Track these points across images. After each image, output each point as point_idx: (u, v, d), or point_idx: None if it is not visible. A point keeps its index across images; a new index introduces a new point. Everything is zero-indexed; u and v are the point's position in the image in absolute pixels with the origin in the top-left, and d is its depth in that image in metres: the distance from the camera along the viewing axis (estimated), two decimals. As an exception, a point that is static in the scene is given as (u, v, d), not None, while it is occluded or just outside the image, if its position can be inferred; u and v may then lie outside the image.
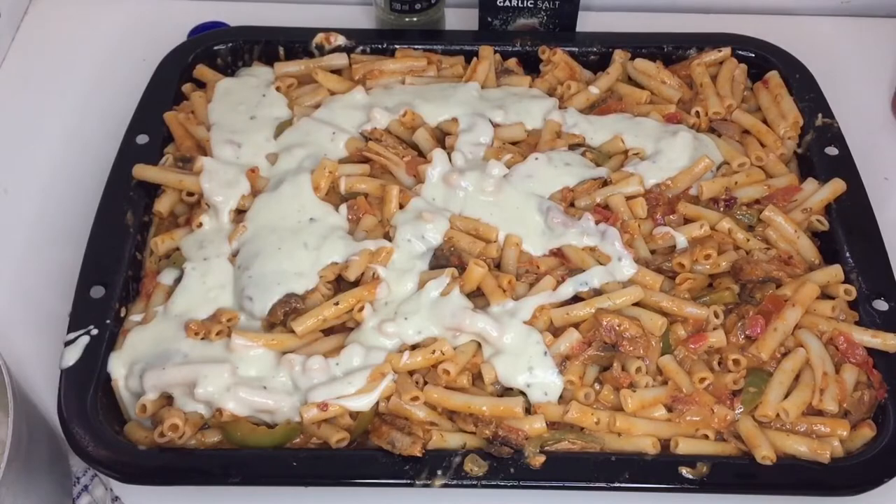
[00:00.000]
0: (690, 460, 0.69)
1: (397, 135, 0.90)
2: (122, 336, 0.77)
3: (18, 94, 1.04)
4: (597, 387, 0.75)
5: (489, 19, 1.03)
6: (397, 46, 0.99)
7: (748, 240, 0.82)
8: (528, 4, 1.01)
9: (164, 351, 0.75)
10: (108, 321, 0.76)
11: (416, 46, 0.99)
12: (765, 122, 0.92)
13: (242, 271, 0.79)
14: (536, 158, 0.87)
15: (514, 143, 0.90)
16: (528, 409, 0.73)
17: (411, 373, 0.74)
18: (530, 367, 0.74)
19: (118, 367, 0.74)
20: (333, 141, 0.89)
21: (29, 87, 1.05)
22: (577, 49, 0.99)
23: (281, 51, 0.99)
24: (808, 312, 0.77)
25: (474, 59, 0.97)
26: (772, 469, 0.69)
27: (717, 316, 0.77)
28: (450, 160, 0.86)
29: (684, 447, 0.71)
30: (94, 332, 0.75)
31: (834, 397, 0.72)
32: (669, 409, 0.73)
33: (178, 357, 0.74)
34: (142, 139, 0.89)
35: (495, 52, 0.98)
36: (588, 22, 1.06)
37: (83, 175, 0.93)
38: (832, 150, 0.89)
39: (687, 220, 0.84)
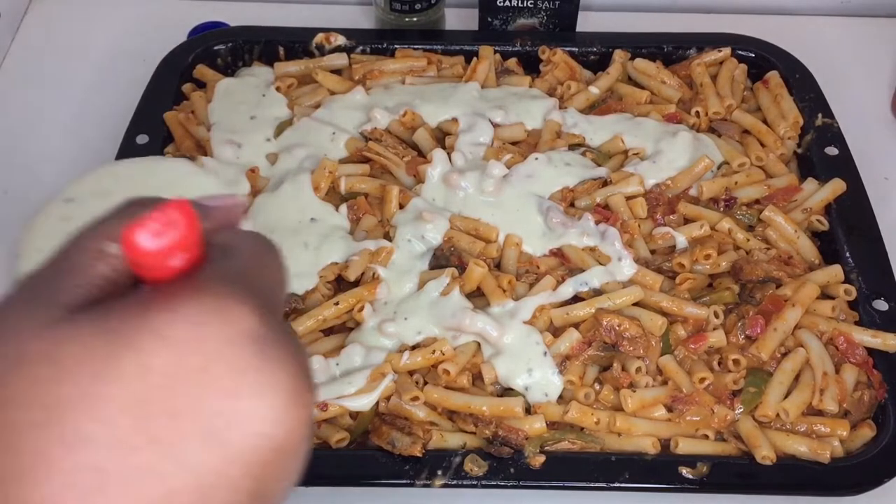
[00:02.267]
0: (690, 460, 0.69)
1: (397, 135, 0.90)
2: (122, 336, 0.76)
3: (18, 94, 1.04)
4: (597, 387, 0.74)
5: (489, 19, 1.03)
6: (397, 46, 0.99)
7: (748, 240, 0.82)
8: (528, 4, 1.01)
9: (164, 351, 0.74)
10: (108, 321, 0.76)
11: (416, 46, 0.99)
12: (765, 122, 0.92)
13: (242, 271, 0.79)
14: (536, 158, 0.87)
15: (514, 143, 0.90)
16: (528, 409, 0.73)
17: (411, 373, 0.74)
18: (530, 367, 0.74)
19: (118, 367, 0.74)
20: (333, 141, 0.89)
21: (29, 87, 1.05)
22: (577, 49, 0.99)
23: (281, 51, 0.99)
24: (808, 312, 0.77)
25: (474, 59, 0.97)
26: (772, 469, 0.69)
27: (717, 316, 0.77)
28: (450, 160, 0.86)
29: (684, 447, 0.71)
30: (94, 332, 0.75)
31: (834, 397, 0.72)
32: (669, 409, 0.73)
33: (178, 357, 0.74)
34: (142, 139, 0.89)
35: (495, 52, 0.98)
36: (588, 22, 1.06)
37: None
38: (832, 150, 0.89)
39: (687, 220, 0.84)
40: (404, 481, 0.69)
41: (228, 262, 0.32)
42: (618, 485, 0.69)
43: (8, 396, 0.28)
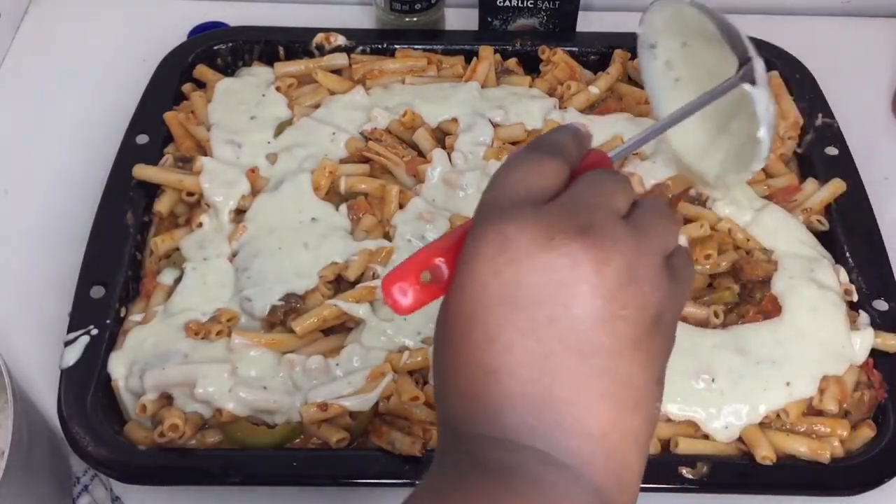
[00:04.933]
0: (690, 460, 0.69)
1: (397, 135, 0.90)
2: (122, 336, 0.77)
3: (18, 94, 1.04)
4: (597, 387, 0.74)
5: (489, 19, 1.03)
6: (397, 46, 0.99)
7: (748, 240, 0.82)
8: (528, 4, 1.01)
9: (164, 351, 0.75)
10: (108, 321, 0.76)
11: (416, 46, 0.99)
12: (765, 122, 0.92)
13: (242, 272, 0.79)
14: (536, 158, 0.86)
15: (514, 143, 0.90)
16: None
17: (411, 372, 0.74)
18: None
19: (118, 367, 0.74)
20: (333, 141, 0.89)
21: (29, 87, 1.05)
22: (577, 49, 0.99)
23: (281, 51, 0.99)
24: (808, 312, 0.77)
25: (474, 59, 0.97)
26: (772, 469, 0.69)
27: (717, 316, 0.77)
28: (450, 160, 0.86)
29: (684, 447, 0.71)
30: (94, 332, 0.75)
31: (834, 397, 0.72)
32: (669, 409, 0.73)
33: (178, 357, 0.74)
34: (142, 139, 0.89)
35: (495, 52, 0.98)
36: (588, 22, 1.06)
37: (83, 175, 0.93)
38: (832, 150, 0.89)
39: (687, 220, 0.84)
40: (404, 481, 0.69)
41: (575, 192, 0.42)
42: (618, 485, 0.68)
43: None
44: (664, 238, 0.41)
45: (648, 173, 0.86)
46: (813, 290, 0.77)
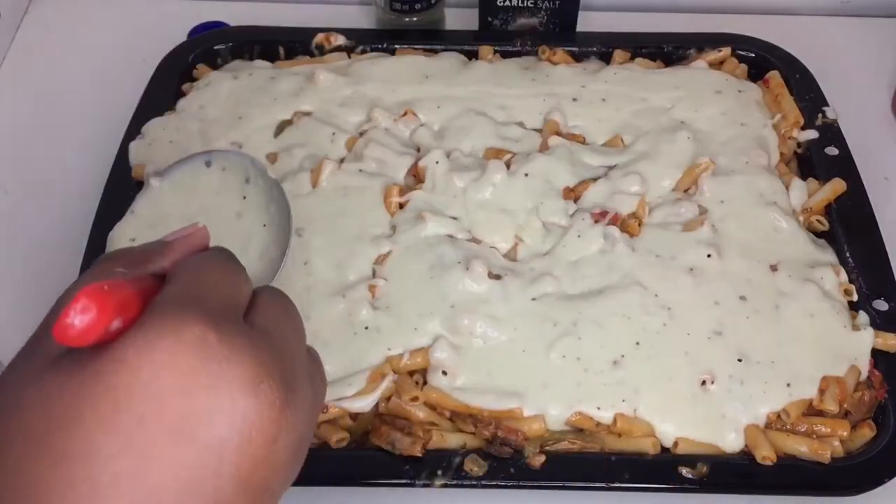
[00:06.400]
0: (690, 460, 0.69)
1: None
2: (122, 336, 0.76)
3: (18, 94, 1.04)
4: (597, 387, 0.74)
5: (489, 19, 1.03)
6: (397, 46, 0.99)
7: (748, 240, 0.82)
8: (528, 4, 1.01)
9: (164, 351, 0.74)
10: (108, 321, 0.76)
11: (416, 46, 0.99)
12: (765, 122, 0.92)
13: (242, 271, 0.79)
14: (537, 158, 0.87)
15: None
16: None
17: (411, 373, 0.74)
18: (530, 367, 0.74)
19: (118, 367, 0.74)
20: (333, 141, 0.89)
21: (29, 88, 1.05)
22: (577, 49, 0.99)
23: (281, 51, 0.99)
24: (808, 312, 0.77)
25: (474, 59, 0.97)
26: (772, 469, 0.69)
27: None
28: (449, 160, 0.86)
29: (684, 447, 0.71)
30: (94, 332, 0.75)
31: (834, 397, 0.72)
32: (669, 409, 0.73)
33: (178, 357, 0.74)
34: (142, 139, 0.89)
35: (495, 52, 0.98)
36: (588, 22, 1.06)
37: (83, 175, 0.93)
38: (832, 150, 0.89)
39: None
40: (404, 481, 0.69)
41: (171, 286, 0.37)
42: (618, 485, 0.69)
43: (7, 434, 0.34)
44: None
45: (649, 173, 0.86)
46: (813, 290, 0.77)
